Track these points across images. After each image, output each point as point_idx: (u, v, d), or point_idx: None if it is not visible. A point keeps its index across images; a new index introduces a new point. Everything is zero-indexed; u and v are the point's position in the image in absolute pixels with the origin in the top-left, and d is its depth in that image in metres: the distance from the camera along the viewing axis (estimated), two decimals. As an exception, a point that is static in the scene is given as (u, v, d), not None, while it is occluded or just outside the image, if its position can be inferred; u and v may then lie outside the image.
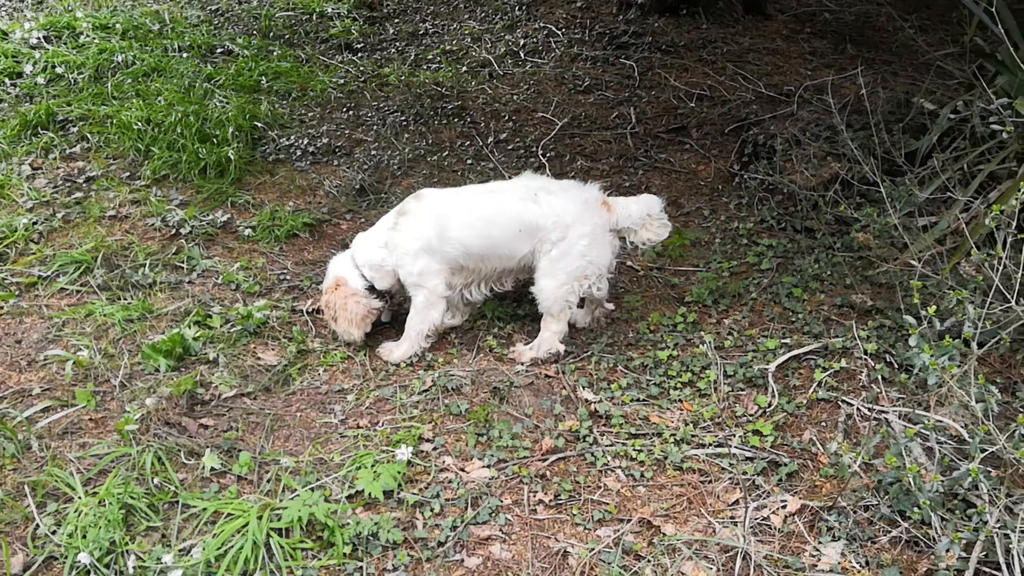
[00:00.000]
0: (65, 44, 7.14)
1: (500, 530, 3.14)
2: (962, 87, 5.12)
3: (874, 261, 4.44)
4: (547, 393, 3.84)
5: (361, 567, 2.97)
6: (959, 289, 3.23)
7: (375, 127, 6.41)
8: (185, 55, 7.26)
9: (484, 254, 4.05)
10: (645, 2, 8.49)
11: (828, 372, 3.81)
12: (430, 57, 7.70)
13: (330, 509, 3.11)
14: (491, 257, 4.07)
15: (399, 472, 3.31)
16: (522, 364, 4.03)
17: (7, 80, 6.53)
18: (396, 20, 8.65)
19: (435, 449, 3.51)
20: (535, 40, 7.97)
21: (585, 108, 6.69)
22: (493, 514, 3.19)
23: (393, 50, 7.92)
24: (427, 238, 3.98)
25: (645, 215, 4.12)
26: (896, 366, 3.84)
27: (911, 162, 4.62)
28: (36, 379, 3.83)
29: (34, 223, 4.87)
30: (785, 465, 3.37)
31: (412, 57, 7.70)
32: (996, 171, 4.30)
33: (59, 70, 6.66)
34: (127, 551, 2.96)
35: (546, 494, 3.29)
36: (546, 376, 3.94)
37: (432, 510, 3.20)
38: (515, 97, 6.92)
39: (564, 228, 3.95)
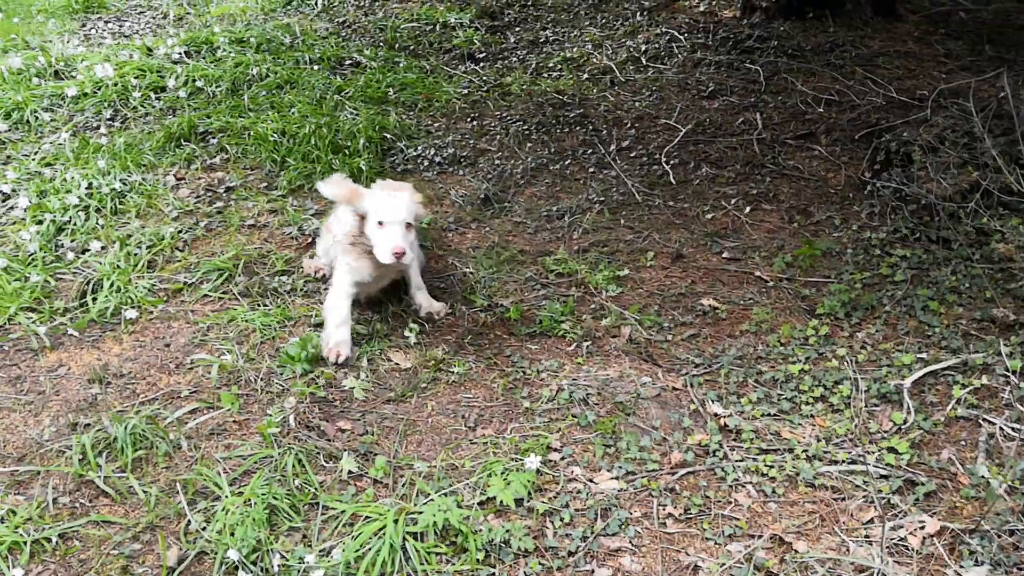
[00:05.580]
0: (204, 58, 7.52)
1: (630, 542, 3.15)
2: (1114, 89, 4.88)
3: (1017, 274, 4.26)
4: (675, 406, 3.83)
5: (494, 573, 3.03)
6: (1115, 306, 3.09)
7: (498, 136, 6.50)
8: (316, 67, 7.54)
9: None
10: (770, 5, 8.35)
11: (968, 389, 3.69)
12: (551, 65, 7.76)
13: (463, 515, 3.19)
14: None
15: (529, 480, 3.35)
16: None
17: (152, 94, 6.90)
18: (517, 28, 8.75)
19: (563, 459, 3.55)
20: (657, 45, 7.93)
21: (709, 114, 6.62)
22: (623, 526, 3.21)
23: (515, 59, 8.01)
24: None
25: None
26: (1042, 384, 3.69)
27: (1058, 170, 4.42)
28: (184, 382, 4.04)
29: (179, 232, 5.13)
30: (922, 484, 3.28)
31: (533, 65, 7.77)
32: None
33: (199, 84, 7.01)
34: (272, 550, 3.10)
35: (675, 508, 3.29)
36: (673, 389, 3.93)
37: (562, 519, 3.24)
38: (637, 104, 6.90)
39: None
